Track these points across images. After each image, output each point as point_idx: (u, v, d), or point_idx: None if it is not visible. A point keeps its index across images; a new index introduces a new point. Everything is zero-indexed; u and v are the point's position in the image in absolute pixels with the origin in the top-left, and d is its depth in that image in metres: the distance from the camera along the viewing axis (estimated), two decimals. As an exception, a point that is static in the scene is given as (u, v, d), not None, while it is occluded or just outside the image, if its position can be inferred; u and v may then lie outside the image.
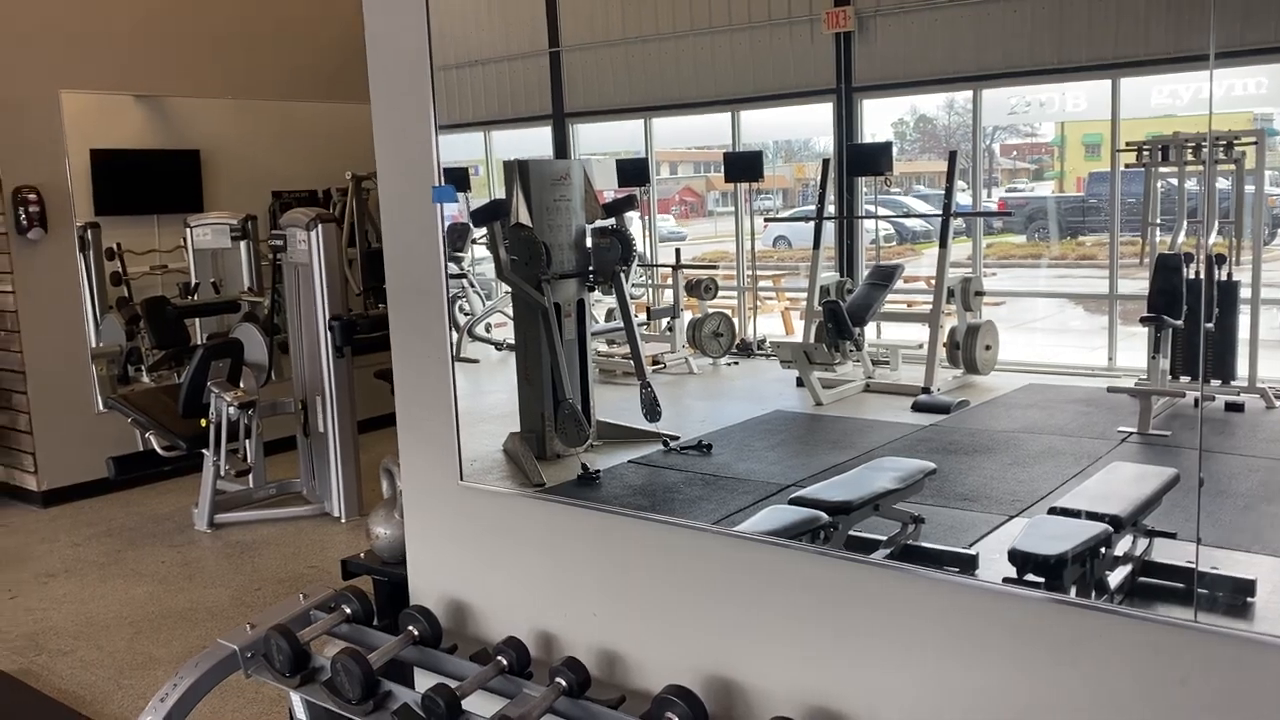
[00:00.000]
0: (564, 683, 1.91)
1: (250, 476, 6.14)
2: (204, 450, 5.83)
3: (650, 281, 3.06)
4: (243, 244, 7.54)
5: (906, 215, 2.48)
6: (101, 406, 6.64)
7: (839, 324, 2.54)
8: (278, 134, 8.30)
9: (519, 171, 2.54)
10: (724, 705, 1.91)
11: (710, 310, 2.90)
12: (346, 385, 5.82)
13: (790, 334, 2.73)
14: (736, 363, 2.87)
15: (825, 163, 2.47)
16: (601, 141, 2.83)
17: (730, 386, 2.91)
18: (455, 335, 3.07)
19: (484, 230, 2.63)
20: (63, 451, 6.51)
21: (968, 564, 1.77)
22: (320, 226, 5.68)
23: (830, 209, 2.40)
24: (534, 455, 2.47)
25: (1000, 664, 1.62)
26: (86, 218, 7.79)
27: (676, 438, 2.54)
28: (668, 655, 1.99)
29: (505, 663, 2.03)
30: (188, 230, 8.14)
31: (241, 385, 5.91)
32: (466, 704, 1.94)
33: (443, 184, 2.29)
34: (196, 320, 7.81)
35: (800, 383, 2.56)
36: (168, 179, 8.66)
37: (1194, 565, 1.51)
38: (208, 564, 5.41)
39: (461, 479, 2.34)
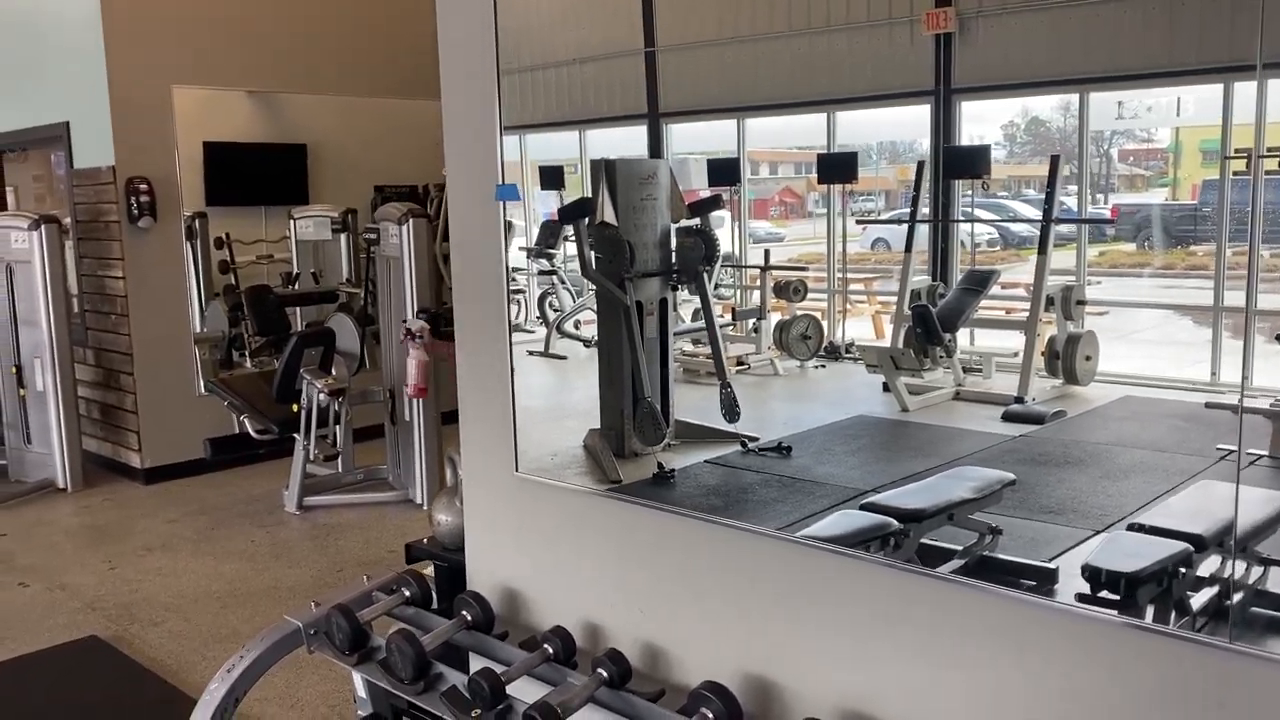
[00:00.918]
0: (605, 674, 1.91)
1: (338, 461, 6.24)
2: (295, 435, 5.93)
3: (738, 282, 3.01)
4: (342, 236, 7.67)
5: (1008, 220, 2.39)
6: (202, 389, 6.79)
7: (928, 329, 2.45)
8: (381, 130, 8.43)
9: (606, 170, 2.52)
10: (761, 705, 1.89)
11: (799, 312, 2.84)
12: (433, 375, 5.87)
13: (880, 338, 2.65)
14: (823, 366, 2.79)
15: (920, 164, 2.39)
16: (695, 141, 2.78)
17: (815, 390, 2.83)
18: (545, 331, 3.07)
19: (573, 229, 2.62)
20: (164, 431, 6.69)
21: (1046, 578, 1.69)
22: (411, 221, 5.74)
23: (926, 212, 2.33)
24: (612, 452, 2.43)
25: (1066, 682, 1.55)
26: (195, 208, 8.01)
27: (756, 439, 2.48)
28: (709, 653, 1.98)
29: (551, 651, 2.04)
30: (291, 222, 8.33)
31: (333, 373, 6.00)
32: (511, 689, 1.95)
33: (505, 183, 2.33)
34: (297, 309, 7.98)
35: (887, 388, 2.49)
36: (275, 172, 8.86)
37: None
38: (294, 544, 5.51)
39: (517, 470, 2.35)
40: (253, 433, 6.20)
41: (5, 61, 7.69)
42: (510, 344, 2.39)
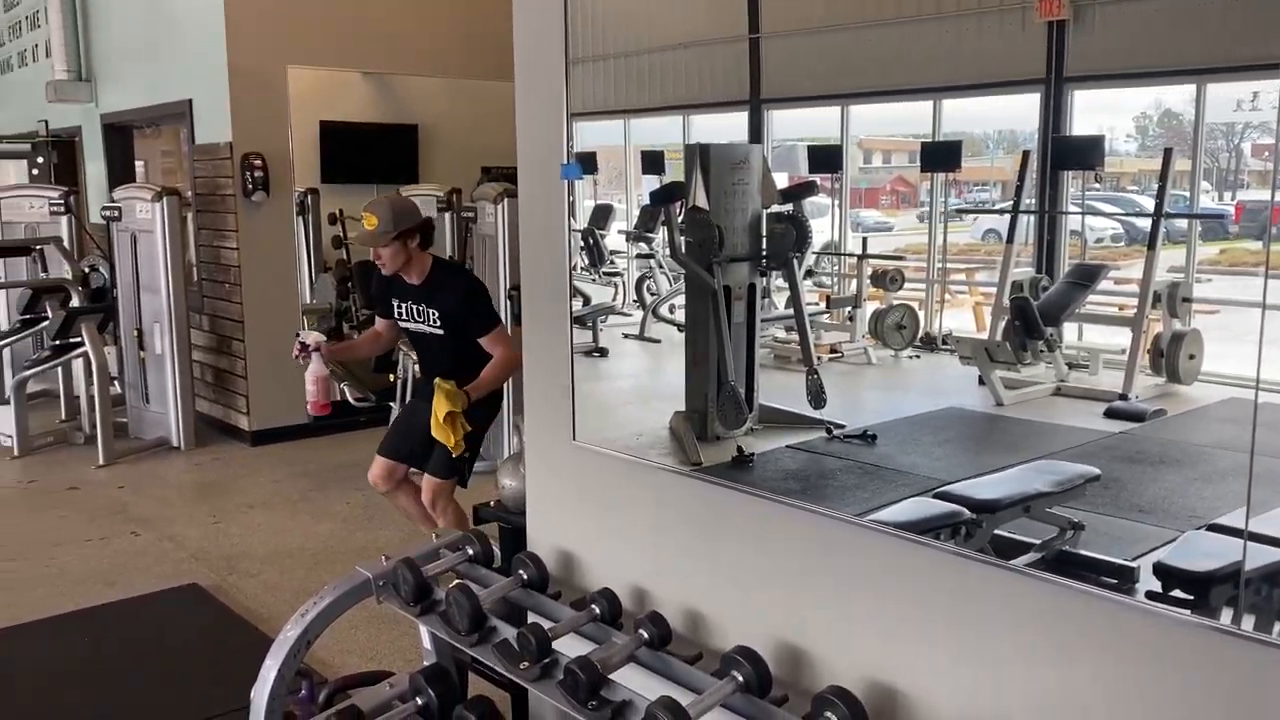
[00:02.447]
0: (646, 635, 1.95)
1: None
2: (391, 403, 6.00)
3: (836, 270, 2.92)
4: (446, 215, 7.73)
5: (1120, 214, 2.25)
6: (308, 357, 6.93)
7: (1028, 322, 2.33)
8: (489, 111, 8.42)
9: (699, 155, 2.47)
10: (789, 670, 1.91)
11: (895, 302, 2.74)
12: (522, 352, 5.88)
13: (981, 330, 2.54)
14: (918, 356, 2.69)
15: (1025, 155, 2.27)
16: (797, 127, 2.70)
17: (907, 380, 2.73)
18: (641, 314, 3.03)
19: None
20: (270, 396, 6.82)
21: (1125, 576, 1.61)
22: (506, 201, 5.73)
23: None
24: (695, 434, 2.39)
25: (1131, 678, 1.50)
26: (307, 184, 8.17)
27: (842, 426, 2.40)
28: (746, 620, 2.00)
29: (597, 611, 2.08)
30: (400, 201, 8.44)
31: (431, 347, 6.05)
32: (558, 644, 1.98)
33: (571, 162, 2.33)
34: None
35: (983, 381, 2.38)
36: (387, 151, 8.98)
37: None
38: (385, 508, 5.52)
39: (574, 439, 2.37)
40: (352, 400, 6.28)
41: (138, 42, 7.93)
42: (571, 318, 2.39)
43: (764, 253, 2.53)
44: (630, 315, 3.03)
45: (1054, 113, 2.09)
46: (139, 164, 9.21)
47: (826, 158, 2.63)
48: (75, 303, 6.75)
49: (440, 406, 3.69)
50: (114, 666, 3.69)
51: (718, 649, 1.95)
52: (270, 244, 6.85)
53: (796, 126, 2.68)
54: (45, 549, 4.94)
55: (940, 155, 2.49)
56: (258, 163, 6.62)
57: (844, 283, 2.90)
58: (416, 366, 5.72)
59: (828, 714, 1.64)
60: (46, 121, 9.00)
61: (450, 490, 4.17)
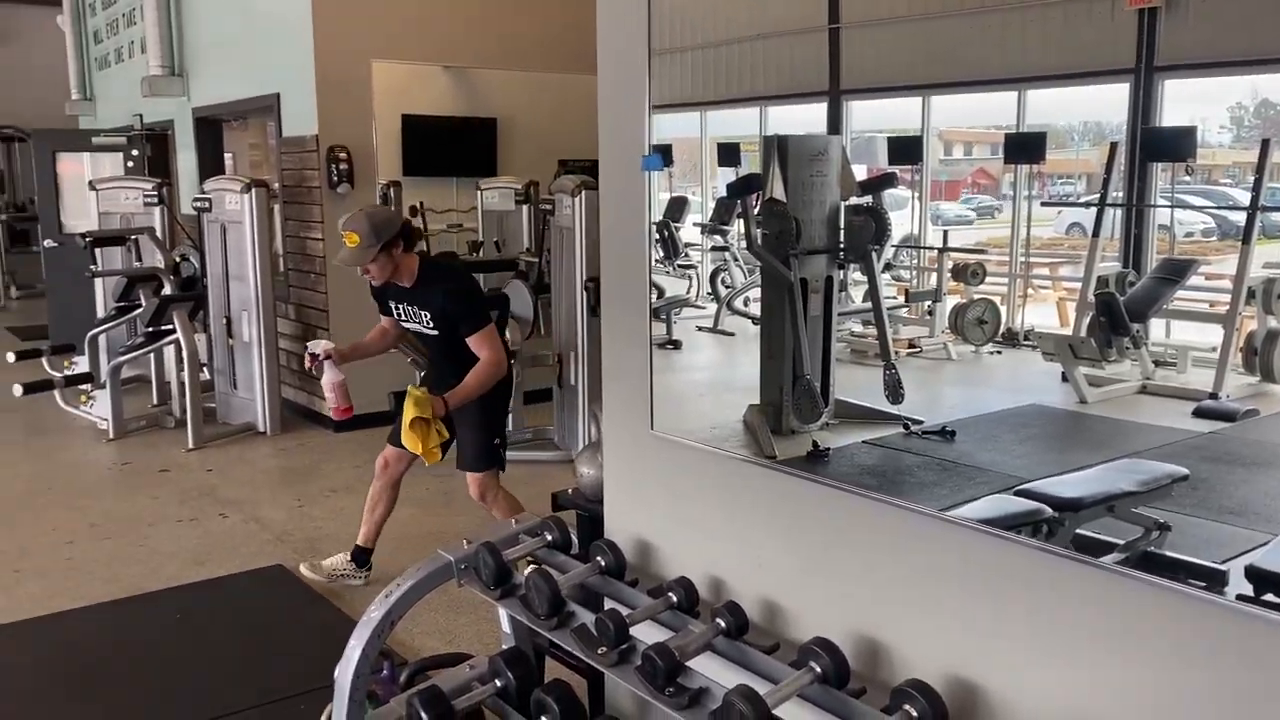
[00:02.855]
0: (723, 624, 1.94)
1: (509, 419, 6.37)
2: (473, 392, 6.07)
3: (915, 263, 2.88)
4: (524, 207, 7.79)
5: (1214, 207, 2.18)
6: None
7: (1113, 318, 2.27)
8: (566, 104, 8.49)
9: (777, 146, 2.45)
10: (868, 663, 1.89)
11: (976, 296, 2.69)
12: (597, 343, 5.89)
13: (1065, 326, 2.48)
14: (999, 352, 2.65)
15: (1112, 146, 2.21)
16: (875, 119, 2.67)
17: (988, 376, 2.69)
18: (715, 307, 3.02)
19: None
20: (353, 383, 6.89)
21: (1215, 579, 1.56)
22: (584, 193, 5.76)
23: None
24: (769, 428, 2.38)
25: (1226, 683, 1.47)
26: (391, 176, 8.29)
27: (920, 422, 2.37)
28: (824, 613, 1.99)
29: (674, 599, 2.08)
30: (479, 193, 8.53)
31: (508, 336, 6.12)
32: (634, 631, 1.99)
33: (651, 154, 2.32)
34: (480, 275, 8.18)
35: (1065, 378, 2.33)
36: (467, 144, 9.08)
37: None
38: (463, 495, 5.59)
39: (652, 428, 2.37)
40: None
41: (228, 38, 8.14)
42: (650, 308, 2.39)
43: (842, 245, 2.51)
44: (704, 308, 3.03)
45: (1144, 103, 2.04)
46: (228, 156, 9.46)
47: (906, 149, 2.59)
48: (167, 291, 6.96)
49: (407, 413, 3.68)
50: (203, 641, 3.82)
51: (794, 640, 1.95)
52: (354, 235, 6.96)
53: (875, 118, 2.65)
54: (139, 528, 5.12)
55: (1024, 147, 2.44)
56: (343, 155, 6.75)
57: (923, 276, 2.86)
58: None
59: (907, 707, 1.62)
60: (141, 115, 9.28)
61: (495, 480, 4.20)
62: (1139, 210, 2.21)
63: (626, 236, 2.40)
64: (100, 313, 7.56)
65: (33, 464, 6.37)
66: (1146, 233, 2.23)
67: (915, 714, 1.62)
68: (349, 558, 4.36)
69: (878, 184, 2.55)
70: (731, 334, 2.93)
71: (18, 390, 6.76)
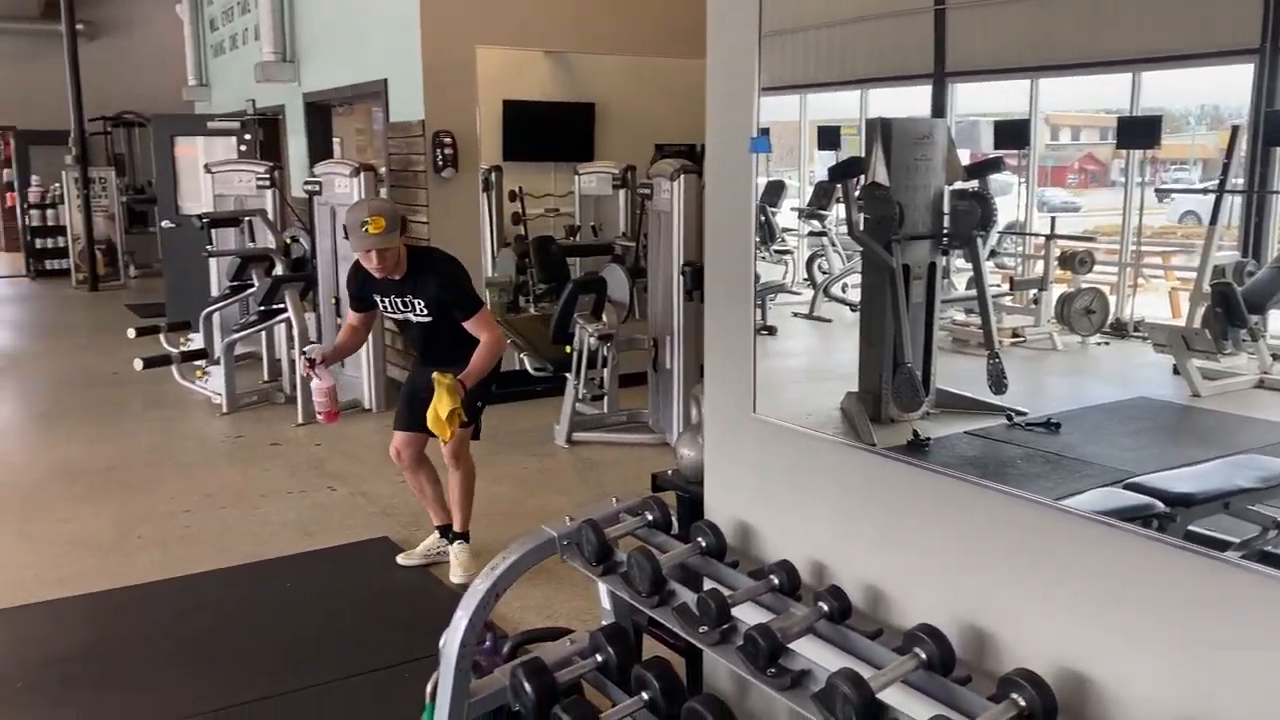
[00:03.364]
0: (826, 607, 1.95)
1: (604, 402, 6.44)
2: (567, 374, 6.17)
3: (1020, 251, 2.83)
4: (621, 192, 7.85)
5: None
6: (488, 328, 7.18)
7: (1230, 309, 2.20)
8: (663, 89, 8.52)
9: (880, 130, 2.42)
10: (973, 651, 1.87)
11: (1084, 285, 2.63)
12: (693, 328, 5.91)
13: (1177, 317, 2.42)
14: (1107, 343, 2.58)
15: (1234, 130, 2.14)
16: (983, 102, 2.62)
17: (1095, 367, 2.63)
18: (811, 293, 3.01)
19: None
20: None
21: None
22: (683, 177, 5.77)
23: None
24: (868, 417, 2.37)
25: None
26: (491, 161, 8.43)
27: (1023, 413, 2.33)
28: (928, 600, 1.97)
29: (776, 581, 2.09)
30: (576, 177, 8.61)
31: (604, 319, 6.18)
32: (736, 611, 2.01)
33: (760, 136, 2.31)
34: (577, 259, 8.27)
35: (1176, 370, 2.27)
36: (566, 129, 9.16)
37: None
38: (560, 474, 5.75)
39: (755, 412, 2.37)
40: (531, 370, 6.49)
41: (338, 25, 8.34)
42: (754, 290, 2.39)
43: (946, 231, 2.48)
44: (800, 294, 3.01)
45: (1269, 85, 1.97)
46: (336, 141, 9.71)
47: (1012, 133, 2.54)
48: (279, 271, 7.20)
49: (443, 404, 3.74)
50: (312, 610, 3.97)
51: (897, 627, 1.95)
52: (457, 219, 7.11)
53: (978, 101, 2.60)
54: (252, 499, 5.33)
55: (1138, 131, 2.38)
56: (447, 140, 6.88)
57: (1028, 264, 2.81)
58: (592, 339, 5.89)
59: (1014, 696, 1.61)
60: (254, 101, 9.58)
61: (466, 440, 4.26)
62: (1260, 197, 2.14)
63: (732, 219, 2.40)
64: (214, 291, 7.85)
65: (152, 436, 6.68)
66: (1268, 221, 2.16)
67: (1023, 703, 1.60)
68: (439, 537, 4.48)
69: (984, 168, 2.50)
70: (828, 320, 2.91)
71: (138, 365, 7.09)
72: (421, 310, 4.07)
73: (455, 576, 4.22)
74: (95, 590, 4.21)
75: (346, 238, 4.09)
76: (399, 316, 4.17)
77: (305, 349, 4.27)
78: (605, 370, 6.21)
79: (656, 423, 6.32)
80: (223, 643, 3.75)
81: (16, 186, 15.36)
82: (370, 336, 6.93)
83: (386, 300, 4.14)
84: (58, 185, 14.28)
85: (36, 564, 4.49)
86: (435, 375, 3.79)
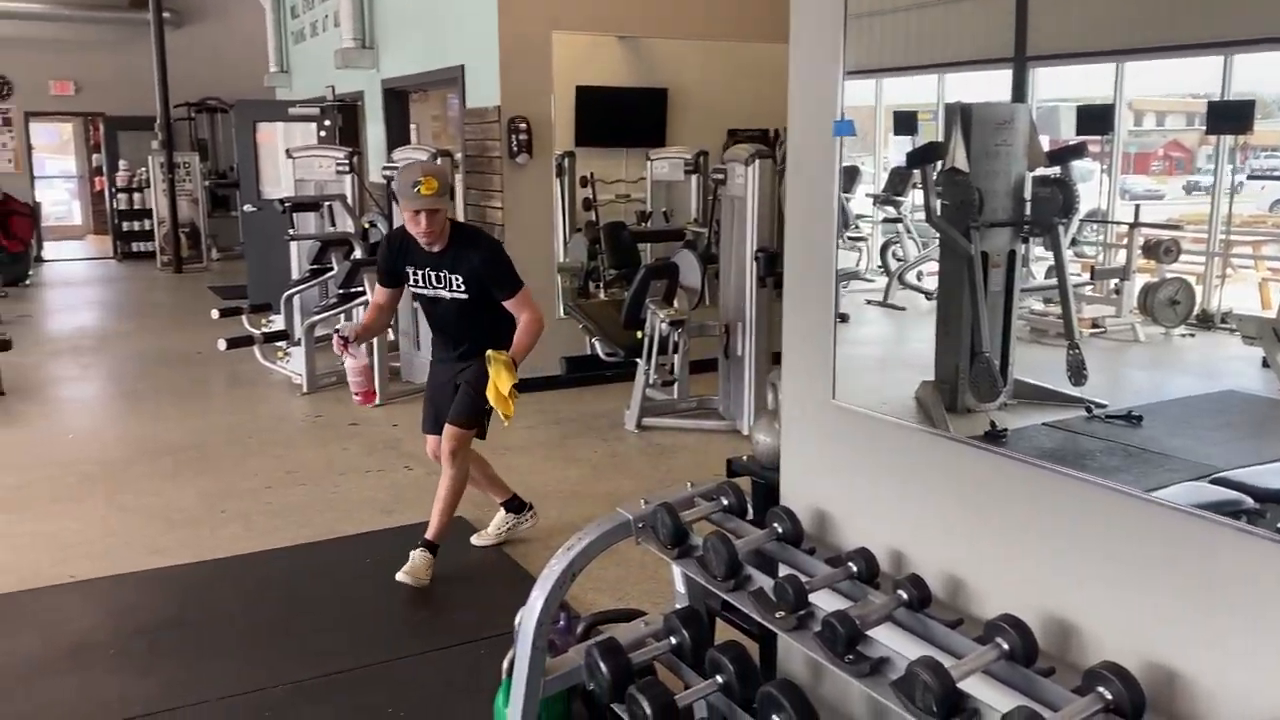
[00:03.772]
0: (905, 595, 1.93)
1: (674, 388, 6.46)
2: (638, 360, 6.20)
3: (1102, 239, 2.78)
4: (693, 177, 7.83)
5: None
6: (561, 313, 7.22)
7: (1324, 301, 2.15)
8: (736, 74, 8.49)
9: (960, 114, 2.39)
10: (1057, 643, 1.84)
11: (1168, 275, 2.58)
12: (765, 314, 5.90)
13: (1267, 308, 2.36)
14: (1192, 334, 2.53)
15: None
16: (1064, 87, 2.58)
17: (1178, 359, 2.57)
18: (885, 280, 2.99)
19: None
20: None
21: None
22: (757, 162, 5.74)
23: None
24: (944, 406, 2.35)
25: None
26: (564, 147, 8.47)
27: (1103, 405, 2.29)
28: (1010, 590, 1.94)
29: (855, 569, 2.08)
30: (648, 163, 8.61)
31: (675, 305, 6.21)
32: (813, 598, 2.01)
33: (843, 119, 2.30)
34: (648, 245, 8.29)
35: (1267, 363, 2.22)
36: (638, 114, 9.16)
37: None
38: (630, 459, 5.79)
39: (834, 398, 2.36)
40: (602, 355, 6.54)
41: (416, 11, 8.45)
42: (836, 276, 2.37)
43: (1027, 218, 2.45)
44: (873, 281, 2.99)
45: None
46: (413, 127, 9.85)
47: (1096, 119, 2.50)
48: (357, 255, 7.34)
49: (504, 380, 3.65)
50: (390, 585, 4.05)
51: (977, 617, 1.93)
52: (531, 204, 7.17)
53: (1060, 85, 2.56)
54: (331, 478, 5.47)
55: (1229, 116, 2.33)
56: (523, 126, 6.94)
57: (1109, 253, 2.76)
58: (663, 324, 5.91)
59: (1100, 689, 1.59)
60: (333, 87, 9.75)
61: (469, 440, 4.17)
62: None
63: (813, 204, 2.39)
64: (294, 275, 8.04)
65: (234, 414, 6.88)
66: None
67: (1110, 696, 1.58)
68: (505, 513, 4.52)
69: (1068, 154, 2.46)
70: (902, 308, 2.88)
71: (222, 345, 7.30)
72: (458, 286, 3.93)
73: (400, 575, 4.03)
74: (182, 562, 4.36)
75: (393, 200, 4.02)
76: (430, 293, 4.01)
77: (337, 327, 4.14)
78: (676, 356, 6.23)
79: (727, 409, 6.33)
80: (302, 616, 3.86)
81: (105, 171, 15.87)
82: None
83: (421, 273, 3.98)
84: (144, 170, 14.71)
85: (126, 535, 4.67)
86: (490, 352, 3.70)
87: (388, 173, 7.31)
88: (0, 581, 4.16)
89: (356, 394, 4.14)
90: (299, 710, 3.20)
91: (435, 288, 3.98)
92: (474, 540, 4.50)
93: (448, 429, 4.08)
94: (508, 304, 3.93)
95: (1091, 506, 1.82)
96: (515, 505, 4.53)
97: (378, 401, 6.21)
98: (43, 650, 3.62)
